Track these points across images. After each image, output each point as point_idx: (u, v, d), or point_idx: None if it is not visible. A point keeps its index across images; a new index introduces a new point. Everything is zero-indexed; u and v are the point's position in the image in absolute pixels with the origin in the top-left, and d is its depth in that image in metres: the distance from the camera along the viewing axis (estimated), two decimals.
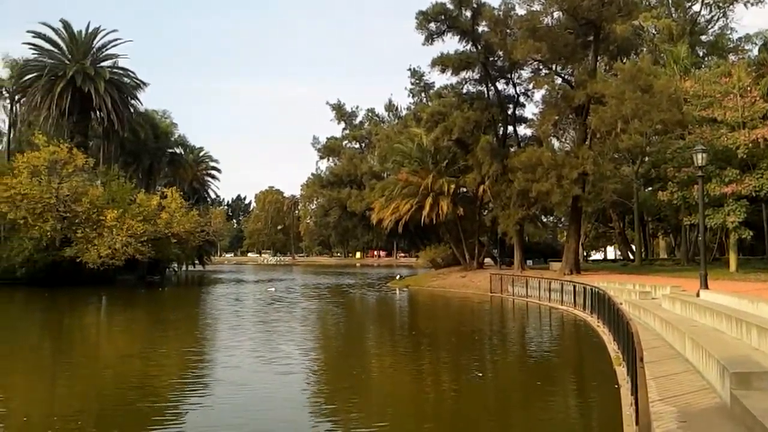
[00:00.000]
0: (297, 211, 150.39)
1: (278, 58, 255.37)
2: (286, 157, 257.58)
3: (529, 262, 50.90)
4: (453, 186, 48.66)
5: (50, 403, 12.75)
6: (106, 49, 58.69)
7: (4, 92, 63.12)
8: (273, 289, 45.27)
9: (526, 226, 50.38)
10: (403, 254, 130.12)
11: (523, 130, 50.19)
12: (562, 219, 57.98)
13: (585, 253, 66.74)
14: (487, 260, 55.04)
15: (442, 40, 43.57)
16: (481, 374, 16.04)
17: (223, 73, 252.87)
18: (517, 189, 39.56)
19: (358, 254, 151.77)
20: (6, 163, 51.03)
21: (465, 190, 51.06)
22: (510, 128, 48.34)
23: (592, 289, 25.61)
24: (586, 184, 39.46)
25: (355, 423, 11.28)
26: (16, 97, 61.69)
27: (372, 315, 33.98)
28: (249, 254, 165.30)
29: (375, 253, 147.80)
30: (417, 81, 62.09)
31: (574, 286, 29.24)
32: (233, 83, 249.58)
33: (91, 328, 26.91)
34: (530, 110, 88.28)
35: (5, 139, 66.53)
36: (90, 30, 57.67)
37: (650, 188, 44.62)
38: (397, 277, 57.75)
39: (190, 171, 76.94)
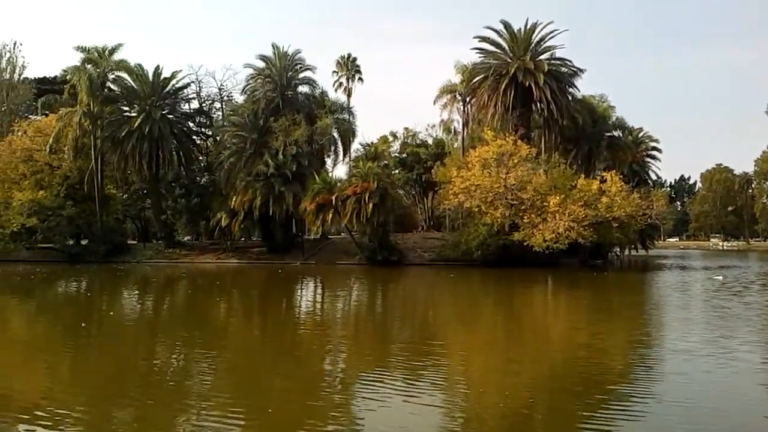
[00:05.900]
0: (750, 190, 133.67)
1: (717, 23, 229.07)
2: (735, 131, 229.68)
3: None
4: None
5: (502, 378, 13.75)
6: (544, 42, 60.85)
7: (457, 96, 71.95)
8: (721, 277, 40.58)
9: None
10: None
11: None
12: None
13: None
14: None
15: None
16: None
17: (651, 46, 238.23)
18: None
19: None
20: (462, 158, 58.34)
21: None
22: None
23: None
24: None
25: None
26: (467, 99, 69.24)
27: None
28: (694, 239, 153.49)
29: None
30: None
31: None
32: (664, 56, 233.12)
33: (539, 309, 28.60)
34: None
35: (460, 137, 75.88)
36: (528, 26, 60.60)
37: None
38: None
39: (629, 153, 74.66)
